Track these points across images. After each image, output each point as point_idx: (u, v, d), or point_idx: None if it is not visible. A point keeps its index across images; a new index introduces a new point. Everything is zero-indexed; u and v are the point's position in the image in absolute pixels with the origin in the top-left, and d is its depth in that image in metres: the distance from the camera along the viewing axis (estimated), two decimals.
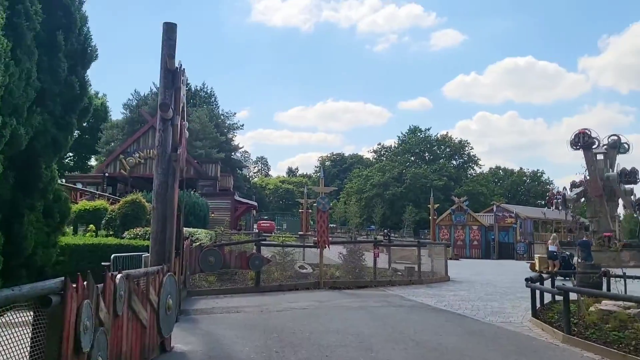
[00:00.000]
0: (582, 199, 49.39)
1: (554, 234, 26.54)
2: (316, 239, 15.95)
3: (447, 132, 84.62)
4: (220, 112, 75.03)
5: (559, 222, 64.04)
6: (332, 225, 77.36)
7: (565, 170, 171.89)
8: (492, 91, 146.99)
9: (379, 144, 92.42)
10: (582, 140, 39.43)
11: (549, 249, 23.36)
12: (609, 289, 14.82)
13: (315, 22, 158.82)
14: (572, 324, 9.72)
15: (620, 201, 40.59)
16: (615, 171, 39.80)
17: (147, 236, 14.10)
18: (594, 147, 38.71)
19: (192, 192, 27.79)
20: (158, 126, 7.71)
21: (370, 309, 11.98)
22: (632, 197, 39.24)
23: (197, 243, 14.94)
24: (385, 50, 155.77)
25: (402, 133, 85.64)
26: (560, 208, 45.15)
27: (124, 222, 18.07)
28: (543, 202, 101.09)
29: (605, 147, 38.48)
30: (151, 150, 34.41)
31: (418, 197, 70.96)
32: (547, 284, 13.94)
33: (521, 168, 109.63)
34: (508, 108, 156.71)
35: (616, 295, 10.12)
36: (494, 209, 45.05)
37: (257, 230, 37.92)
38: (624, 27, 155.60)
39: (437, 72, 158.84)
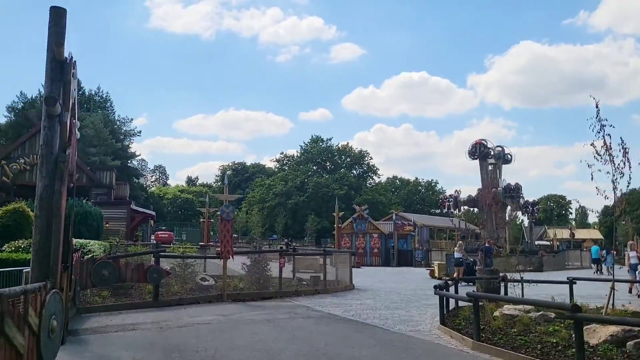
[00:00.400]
0: (474, 209, 52.01)
1: (460, 242, 27.56)
2: (219, 249, 15.20)
3: (348, 143, 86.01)
4: (116, 117, 71.58)
5: (453, 230, 67.12)
6: (233, 235, 76.07)
7: (456, 180, 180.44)
8: (388, 104, 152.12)
9: (282, 153, 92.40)
10: (479, 150, 41.45)
11: (455, 256, 23.89)
12: (506, 293, 15.32)
13: (217, 30, 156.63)
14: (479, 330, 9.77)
15: (509, 209, 43.03)
16: (500, 186, 42.23)
17: (30, 249, 12.70)
18: (489, 157, 40.85)
19: (84, 201, 25.90)
20: (43, 123, 6.75)
21: (277, 322, 11.46)
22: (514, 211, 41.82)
23: (89, 255, 13.72)
24: (287, 61, 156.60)
25: (304, 142, 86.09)
26: (452, 210, 47.04)
27: (3, 233, 16.31)
28: (438, 211, 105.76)
29: (492, 157, 40.73)
30: (38, 156, 31.78)
31: (320, 206, 71.42)
32: (452, 290, 14.16)
33: (416, 178, 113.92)
34: (403, 121, 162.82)
35: (525, 300, 10.29)
36: (394, 217, 46.08)
37: (154, 242, 36.20)
38: (506, 48, 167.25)
39: (337, 84, 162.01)
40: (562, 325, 9.56)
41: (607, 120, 10.69)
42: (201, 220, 25.54)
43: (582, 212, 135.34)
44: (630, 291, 18.86)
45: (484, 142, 42.97)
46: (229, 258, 15.41)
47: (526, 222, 50.35)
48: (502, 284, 15.56)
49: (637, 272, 19.13)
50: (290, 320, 11.83)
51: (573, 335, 8.43)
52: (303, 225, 67.43)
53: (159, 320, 11.36)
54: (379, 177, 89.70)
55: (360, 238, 43.42)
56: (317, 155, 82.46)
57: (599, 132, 10.66)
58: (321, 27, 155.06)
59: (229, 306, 14.05)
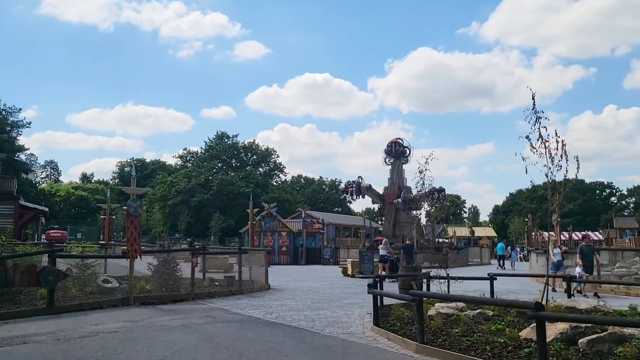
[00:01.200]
0: (377, 205, 52.57)
1: (385, 239, 27.37)
2: (126, 247, 13.64)
3: (254, 140, 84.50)
4: (1, 107, 65.67)
5: (358, 227, 67.74)
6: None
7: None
8: (292, 104, 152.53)
9: (185, 149, 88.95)
10: (395, 149, 41.90)
11: (380, 253, 23.64)
12: (428, 290, 15.01)
13: (115, 22, 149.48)
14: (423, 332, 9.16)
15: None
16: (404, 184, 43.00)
17: None
18: (404, 156, 41.42)
19: None
20: None
21: (196, 328, 10.24)
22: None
23: None
24: (189, 57, 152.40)
25: (208, 139, 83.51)
26: (354, 197, 47.07)
27: None
28: (341, 209, 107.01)
29: (407, 156, 41.36)
30: None
31: (225, 204, 69.51)
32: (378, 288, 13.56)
33: (321, 177, 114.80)
34: (307, 121, 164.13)
35: (483, 300, 9.76)
36: (303, 215, 45.45)
37: (45, 241, 33.04)
38: (405, 54, 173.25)
39: (241, 82, 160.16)
40: (503, 323, 9.17)
41: (543, 112, 10.55)
42: (101, 217, 23.38)
43: (475, 211, 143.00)
44: (554, 289, 18.41)
45: (399, 140, 43.48)
46: (137, 257, 13.89)
47: (424, 220, 51.69)
48: (425, 282, 15.29)
49: (560, 270, 19.01)
50: (210, 325, 10.65)
51: (521, 334, 8.01)
52: (207, 223, 65.27)
53: (56, 330, 9.78)
54: (285, 176, 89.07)
55: (268, 236, 42.35)
56: (222, 152, 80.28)
57: (535, 124, 10.48)
58: (225, 24, 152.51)
59: (138, 310, 12.59)
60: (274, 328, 10.50)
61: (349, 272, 25.55)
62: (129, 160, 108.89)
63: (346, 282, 22.04)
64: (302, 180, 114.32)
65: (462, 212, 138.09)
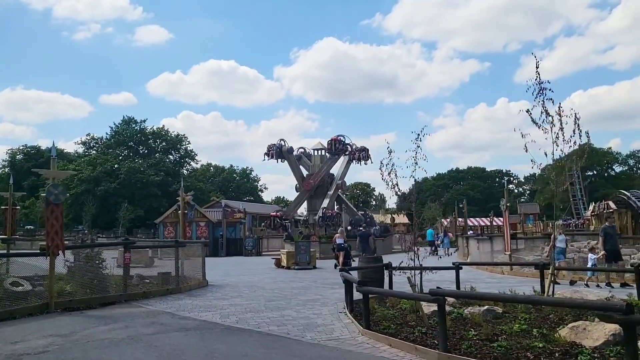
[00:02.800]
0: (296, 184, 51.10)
1: (341, 228, 26.83)
2: (46, 242, 11.17)
3: (164, 126, 79.90)
4: None
5: (275, 216, 65.99)
6: (29, 227, 65.93)
7: (268, 169, 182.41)
8: (197, 91, 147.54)
9: (88, 134, 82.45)
10: (335, 147, 40.57)
11: (337, 242, 23.25)
12: (391, 282, 13.77)
13: None
14: (420, 333, 7.78)
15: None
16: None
17: None
18: (346, 153, 40.32)
19: None
20: None
21: (148, 341, 8.24)
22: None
23: None
24: (86, 40, 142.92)
25: (114, 124, 77.99)
26: (276, 159, 45.23)
27: None
28: (252, 198, 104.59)
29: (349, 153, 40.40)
30: None
31: (133, 193, 65.26)
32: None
33: (231, 165, 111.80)
34: (212, 109, 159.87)
35: (538, 300, 8.27)
36: (222, 204, 43.15)
37: None
38: (311, 43, 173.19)
39: (142, 67, 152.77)
40: (523, 322, 7.96)
41: (549, 82, 9.44)
42: (3, 207, 20.08)
43: (382, 199, 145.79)
44: (556, 281, 16.85)
45: (341, 137, 42.19)
46: (58, 254, 11.49)
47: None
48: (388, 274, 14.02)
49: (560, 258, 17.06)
50: (163, 336, 8.67)
51: (563, 336, 6.80)
52: (115, 214, 60.87)
53: None
54: (196, 163, 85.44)
55: (186, 227, 39.78)
56: (129, 138, 75.33)
57: (539, 95, 9.32)
58: (126, 7, 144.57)
59: (63, 320, 10.28)
60: (244, 336, 8.70)
61: (284, 263, 23.91)
62: (21, 148, 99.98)
63: (286, 276, 20.40)
64: (211, 168, 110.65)
65: (371, 199, 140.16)
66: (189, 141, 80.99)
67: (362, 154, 42.00)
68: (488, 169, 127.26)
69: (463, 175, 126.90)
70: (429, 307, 9.02)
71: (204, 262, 16.83)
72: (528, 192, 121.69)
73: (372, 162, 41.23)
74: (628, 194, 51.88)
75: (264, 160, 42.88)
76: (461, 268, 14.03)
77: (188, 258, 16.03)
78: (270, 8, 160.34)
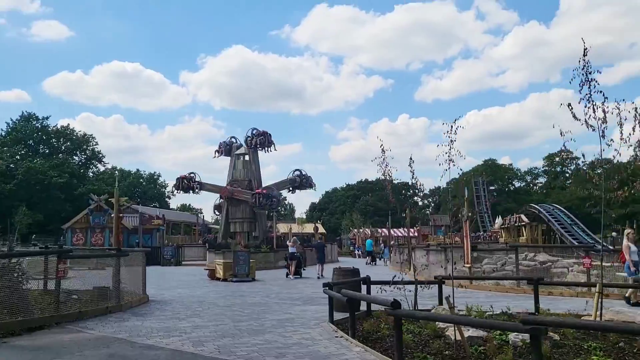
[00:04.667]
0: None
1: (294, 237, 26.89)
2: None
3: (69, 124, 73.73)
4: None
5: (189, 223, 62.54)
6: None
7: (173, 174, 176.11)
8: (98, 92, 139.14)
9: None
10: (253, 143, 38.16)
11: (290, 251, 23.63)
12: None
13: None
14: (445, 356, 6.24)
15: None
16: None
17: None
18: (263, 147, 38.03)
19: None
20: None
21: None
22: None
23: None
24: None
25: (11, 120, 70.83)
26: (224, 155, 42.11)
27: None
28: (158, 205, 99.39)
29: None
30: None
31: (32, 195, 59.28)
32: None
33: (138, 170, 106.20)
34: (114, 111, 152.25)
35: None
36: (139, 209, 39.73)
37: None
38: (219, 50, 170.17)
39: (39, 64, 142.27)
40: (601, 353, 6.59)
41: (600, 72, 8.17)
42: None
43: (291, 208, 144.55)
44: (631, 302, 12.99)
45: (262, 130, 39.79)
46: None
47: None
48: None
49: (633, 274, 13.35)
50: None
51: None
52: (10, 219, 54.76)
53: None
54: (104, 166, 79.75)
55: (97, 233, 36.19)
56: (28, 135, 68.67)
57: (585, 85, 7.98)
58: None
59: None
60: None
61: (220, 275, 21.64)
62: None
63: (229, 289, 18.24)
64: (116, 172, 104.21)
65: (280, 209, 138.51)
66: (96, 142, 75.48)
67: (260, 140, 37.89)
68: (395, 181, 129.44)
69: (371, 186, 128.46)
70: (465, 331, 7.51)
71: (145, 274, 14.39)
72: (433, 204, 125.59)
73: (275, 150, 38.54)
74: (539, 207, 54.26)
75: (215, 157, 39.63)
76: (444, 282, 12.71)
77: (127, 270, 13.52)
78: (178, 12, 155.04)
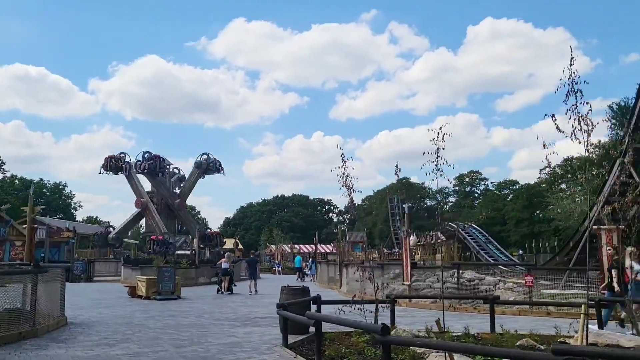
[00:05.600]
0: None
1: (228, 253, 27.06)
2: None
3: None
4: None
5: (87, 236, 58.46)
6: None
7: (84, 187, 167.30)
8: None
9: None
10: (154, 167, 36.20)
11: (223, 266, 23.26)
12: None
13: None
14: None
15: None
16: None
17: None
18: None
19: None
20: None
21: None
22: None
23: None
24: None
25: None
26: (125, 174, 39.68)
27: None
28: (61, 216, 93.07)
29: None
30: None
31: None
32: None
33: (41, 179, 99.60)
34: (14, 117, 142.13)
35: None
36: (47, 220, 36.44)
37: None
38: (132, 59, 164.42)
39: None
40: None
41: (587, 83, 7.75)
42: None
43: (204, 223, 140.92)
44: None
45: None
46: None
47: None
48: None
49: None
50: None
51: None
52: None
53: None
54: (3, 173, 73.52)
55: (33, 247, 32.57)
56: None
57: (570, 95, 7.49)
58: None
59: None
60: None
61: (142, 292, 19.88)
62: None
63: (156, 308, 16.62)
64: (16, 181, 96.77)
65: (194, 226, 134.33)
66: None
67: (149, 164, 37.44)
68: (311, 197, 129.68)
69: (287, 202, 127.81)
70: None
71: (64, 293, 12.65)
72: (347, 220, 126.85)
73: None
74: (455, 225, 55.60)
75: (101, 173, 37.35)
76: (396, 302, 12.08)
77: (45, 288, 11.76)
78: (89, 17, 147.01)
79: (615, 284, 11.98)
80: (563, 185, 57.80)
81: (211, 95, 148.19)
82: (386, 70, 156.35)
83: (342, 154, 10.20)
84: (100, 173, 38.19)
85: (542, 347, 8.31)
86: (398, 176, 9.18)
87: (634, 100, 24.11)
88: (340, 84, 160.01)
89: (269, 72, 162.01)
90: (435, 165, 7.22)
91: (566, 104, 7.51)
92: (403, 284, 18.42)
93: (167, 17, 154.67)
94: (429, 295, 17.19)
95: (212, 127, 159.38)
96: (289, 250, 71.45)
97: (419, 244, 61.85)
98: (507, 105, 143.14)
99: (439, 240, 54.01)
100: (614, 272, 12.19)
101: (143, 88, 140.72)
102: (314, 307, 11.50)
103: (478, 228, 51.27)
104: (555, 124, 7.78)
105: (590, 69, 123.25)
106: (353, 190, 10.23)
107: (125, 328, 11.89)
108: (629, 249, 11.83)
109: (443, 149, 7.12)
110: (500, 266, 33.01)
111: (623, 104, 41.75)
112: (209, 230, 38.77)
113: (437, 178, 7.18)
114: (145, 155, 36.47)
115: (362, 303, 10.10)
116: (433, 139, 7.20)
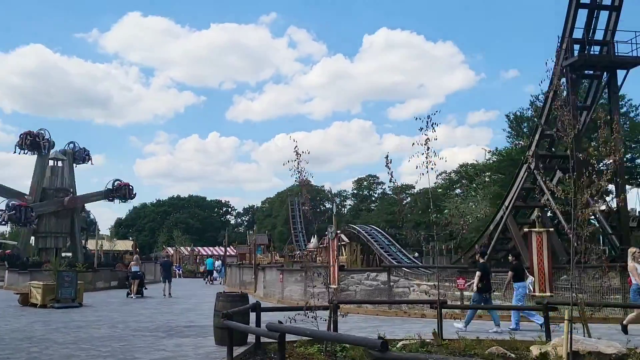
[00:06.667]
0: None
1: (137, 256, 26.31)
2: None
3: None
4: None
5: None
6: None
7: None
8: None
9: None
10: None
11: (133, 269, 22.72)
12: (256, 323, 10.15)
13: None
14: None
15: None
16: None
17: None
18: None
19: None
20: None
21: None
22: None
23: None
24: None
25: None
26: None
27: None
28: None
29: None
30: None
31: None
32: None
33: None
34: None
35: None
36: None
37: None
38: (13, 47, 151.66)
39: None
40: None
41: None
42: None
43: (93, 223, 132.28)
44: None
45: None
46: None
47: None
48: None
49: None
50: None
51: None
52: None
53: None
54: None
55: None
56: None
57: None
58: None
59: None
60: None
61: (37, 300, 17.48)
62: None
63: (58, 318, 14.47)
64: None
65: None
66: None
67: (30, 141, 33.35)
68: (209, 199, 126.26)
69: (184, 203, 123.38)
70: None
71: None
72: (245, 222, 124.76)
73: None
74: (358, 227, 56.09)
75: (15, 152, 33.21)
76: (339, 307, 11.21)
77: None
78: None
79: (475, 285, 12.59)
80: (458, 190, 60.47)
81: (102, 91, 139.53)
82: (284, 73, 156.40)
83: (296, 146, 9.27)
84: (14, 152, 33.28)
85: (513, 356, 7.87)
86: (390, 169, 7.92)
87: (542, 109, 25.23)
88: (238, 85, 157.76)
89: (164, 70, 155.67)
90: (426, 157, 6.45)
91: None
92: (329, 287, 17.58)
93: (54, 4, 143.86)
94: (378, 301, 16.60)
95: (102, 123, 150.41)
96: (187, 253, 68.64)
97: (321, 246, 61.99)
98: (398, 114, 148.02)
99: (342, 243, 54.49)
100: (477, 274, 12.74)
101: (26, 79, 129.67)
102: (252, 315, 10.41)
103: (380, 230, 52.07)
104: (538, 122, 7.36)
105: (475, 82, 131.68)
106: (308, 186, 9.32)
107: (28, 344, 10.01)
108: (632, 249, 11.76)
109: (435, 139, 6.37)
110: (404, 268, 33.25)
111: (519, 114, 44.07)
112: (118, 181, 35.63)
113: (427, 172, 6.41)
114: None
115: (309, 309, 9.19)
116: (422, 128, 6.45)
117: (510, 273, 13.20)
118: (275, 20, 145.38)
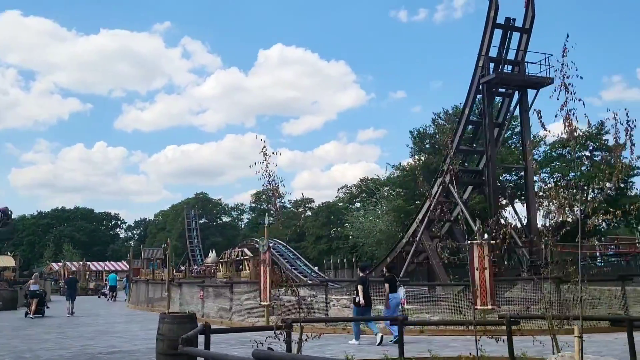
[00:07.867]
0: None
1: (36, 274, 25.57)
2: None
3: None
4: None
5: None
6: None
7: None
8: None
9: None
10: None
11: (32, 288, 21.74)
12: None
13: None
14: None
15: None
16: None
17: None
18: None
19: None
20: None
21: None
22: None
23: None
24: None
25: None
26: None
27: None
28: None
29: None
30: None
31: None
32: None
33: None
34: None
35: None
36: None
37: None
38: None
39: None
40: None
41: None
42: None
43: None
44: None
45: None
46: None
47: None
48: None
49: None
50: None
51: None
52: None
53: None
54: None
55: None
56: None
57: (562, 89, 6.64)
58: None
59: None
60: None
61: None
62: None
63: None
64: None
65: None
66: None
67: None
68: (96, 211, 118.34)
69: (69, 215, 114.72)
70: None
71: None
72: (137, 235, 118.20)
73: None
74: (260, 242, 54.73)
75: None
76: (292, 327, 10.17)
77: None
78: None
79: (360, 299, 12.57)
80: (358, 204, 61.22)
81: None
82: (177, 84, 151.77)
83: (264, 146, 8.18)
84: None
85: None
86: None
87: (458, 124, 25.74)
88: (128, 93, 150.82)
89: (47, 74, 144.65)
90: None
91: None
92: (261, 304, 16.44)
93: None
94: (342, 318, 15.55)
95: None
96: (74, 269, 63.29)
97: (221, 260, 59.80)
98: (292, 129, 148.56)
99: (245, 257, 52.89)
100: (359, 287, 12.71)
101: None
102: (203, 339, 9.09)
103: (285, 244, 51.18)
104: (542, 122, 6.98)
105: (366, 102, 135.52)
106: (279, 193, 8.28)
107: None
108: None
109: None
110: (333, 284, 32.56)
111: (422, 130, 45.50)
112: None
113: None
114: None
115: (279, 329, 8.15)
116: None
117: (386, 285, 13.08)
118: (170, 30, 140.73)
